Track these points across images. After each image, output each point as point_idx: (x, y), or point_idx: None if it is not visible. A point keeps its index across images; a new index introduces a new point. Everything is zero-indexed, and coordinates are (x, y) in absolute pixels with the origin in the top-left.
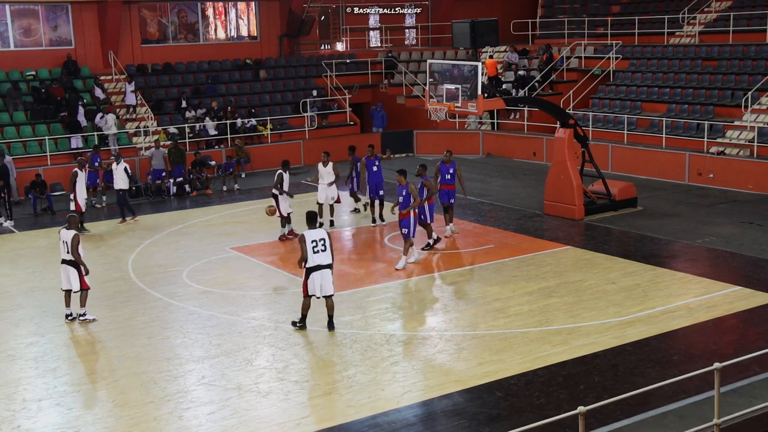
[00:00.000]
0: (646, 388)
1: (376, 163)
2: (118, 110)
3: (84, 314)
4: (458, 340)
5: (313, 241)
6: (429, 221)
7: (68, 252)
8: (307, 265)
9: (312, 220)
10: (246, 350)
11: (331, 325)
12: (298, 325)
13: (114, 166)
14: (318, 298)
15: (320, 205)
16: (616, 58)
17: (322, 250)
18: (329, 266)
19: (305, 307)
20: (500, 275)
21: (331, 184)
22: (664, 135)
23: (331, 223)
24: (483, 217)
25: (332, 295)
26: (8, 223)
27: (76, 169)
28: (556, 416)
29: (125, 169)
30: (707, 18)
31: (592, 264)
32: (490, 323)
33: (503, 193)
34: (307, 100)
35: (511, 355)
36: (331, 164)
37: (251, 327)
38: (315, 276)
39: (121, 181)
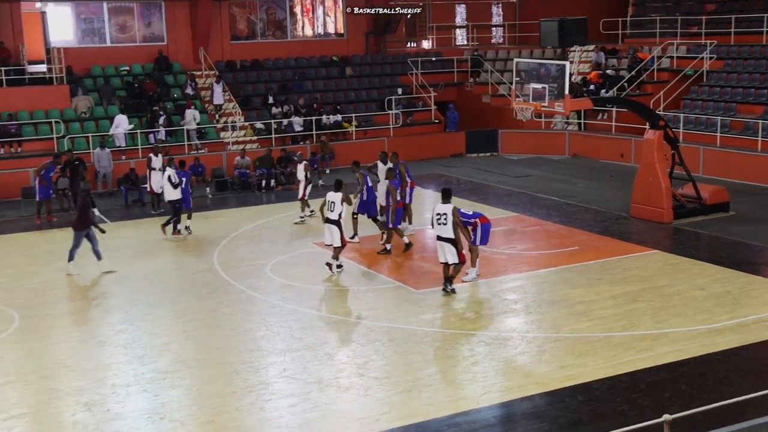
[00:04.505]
0: (737, 399)
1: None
2: (206, 106)
3: (335, 265)
4: (540, 342)
5: (328, 201)
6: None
7: (332, 211)
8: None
9: (338, 186)
10: (327, 345)
11: (329, 265)
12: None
13: None
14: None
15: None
16: (711, 58)
17: (330, 210)
18: (334, 222)
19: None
20: (584, 278)
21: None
22: (760, 138)
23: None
24: (568, 219)
25: (334, 246)
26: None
27: (150, 154)
28: (639, 423)
29: None
30: None
31: (680, 269)
32: (573, 326)
33: (588, 194)
34: (392, 97)
35: (594, 359)
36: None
37: (333, 322)
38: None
39: None
